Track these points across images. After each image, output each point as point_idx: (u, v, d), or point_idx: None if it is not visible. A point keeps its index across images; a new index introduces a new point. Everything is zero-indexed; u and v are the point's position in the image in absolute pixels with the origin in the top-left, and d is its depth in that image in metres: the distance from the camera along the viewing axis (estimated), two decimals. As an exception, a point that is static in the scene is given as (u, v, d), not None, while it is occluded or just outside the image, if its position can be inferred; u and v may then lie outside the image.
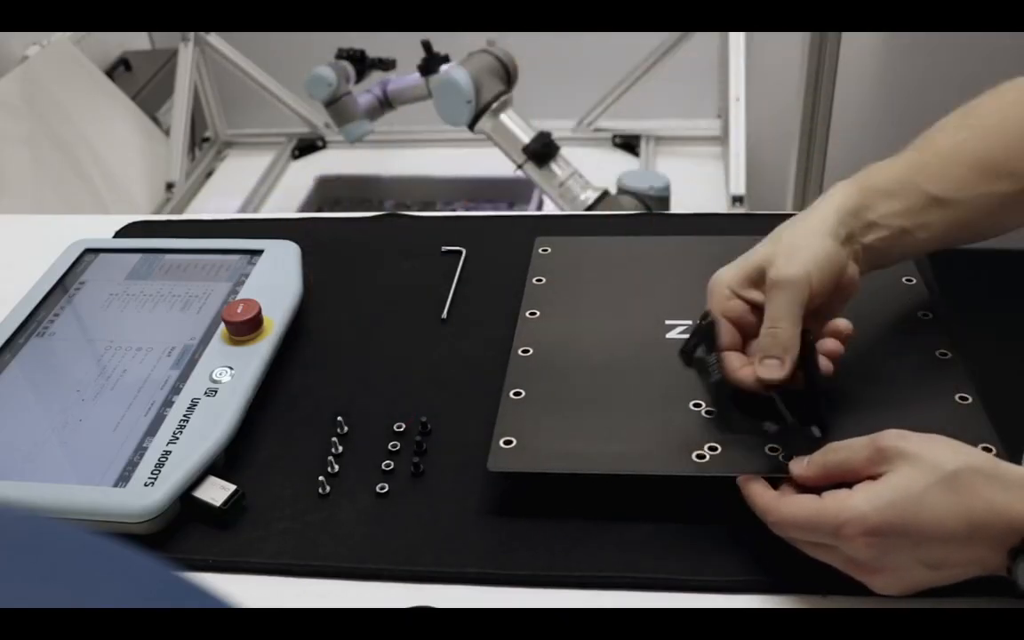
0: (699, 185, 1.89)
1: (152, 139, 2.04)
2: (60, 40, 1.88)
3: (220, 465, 0.67)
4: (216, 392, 0.71)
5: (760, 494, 0.57)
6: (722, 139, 2.03)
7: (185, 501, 0.64)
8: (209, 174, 2.18)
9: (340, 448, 0.69)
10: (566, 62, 2.17)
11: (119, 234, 0.97)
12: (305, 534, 0.63)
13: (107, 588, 0.26)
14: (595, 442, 0.65)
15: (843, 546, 0.53)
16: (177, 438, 0.67)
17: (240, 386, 0.71)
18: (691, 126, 2.13)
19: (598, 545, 0.61)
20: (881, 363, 0.69)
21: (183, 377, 0.73)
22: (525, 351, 0.73)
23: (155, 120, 2.09)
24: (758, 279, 0.64)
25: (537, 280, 0.82)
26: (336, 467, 0.68)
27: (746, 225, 0.93)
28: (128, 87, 2.05)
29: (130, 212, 1.34)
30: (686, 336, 0.73)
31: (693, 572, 0.59)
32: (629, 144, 2.09)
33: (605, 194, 1.62)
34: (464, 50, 1.68)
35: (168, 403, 0.71)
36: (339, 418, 0.71)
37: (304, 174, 2.12)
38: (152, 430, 0.68)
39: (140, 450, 0.67)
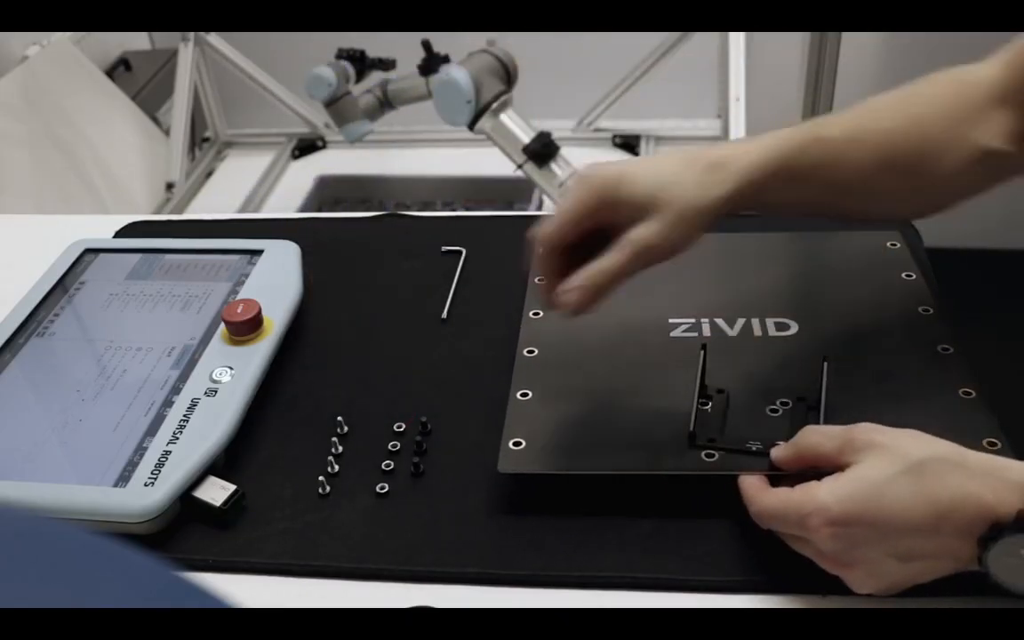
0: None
1: (152, 139, 2.04)
2: (60, 40, 1.88)
3: (220, 465, 0.67)
4: (216, 392, 0.71)
5: (748, 485, 0.58)
6: (722, 139, 2.03)
7: (185, 501, 0.64)
8: (209, 174, 2.18)
9: (340, 448, 0.69)
10: (566, 62, 2.17)
11: (119, 234, 0.97)
12: (305, 534, 0.63)
13: (107, 588, 0.26)
14: (603, 441, 0.65)
15: (811, 537, 0.53)
16: (177, 438, 0.67)
17: (240, 386, 0.71)
18: (691, 126, 2.13)
19: (598, 545, 0.61)
20: (883, 359, 0.69)
21: (183, 377, 0.73)
22: (530, 351, 0.73)
23: (155, 120, 2.09)
24: (634, 214, 0.63)
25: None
26: (336, 467, 0.68)
27: (746, 224, 0.93)
28: (128, 87, 2.05)
29: (130, 212, 1.34)
30: (690, 334, 0.73)
31: (693, 572, 0.59)
32: (629, 144, 2.09)
33: (605, 194, 1.62)
34: (464, 50, 1.68)
35: (168, 403, 0.71)
36: (339, 418, 0.71)
37: (304, 174, 2.12)
38: (152, 430, 0.68)
39: (140, 450, 0.67)
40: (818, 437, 0.56)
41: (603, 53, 2.07)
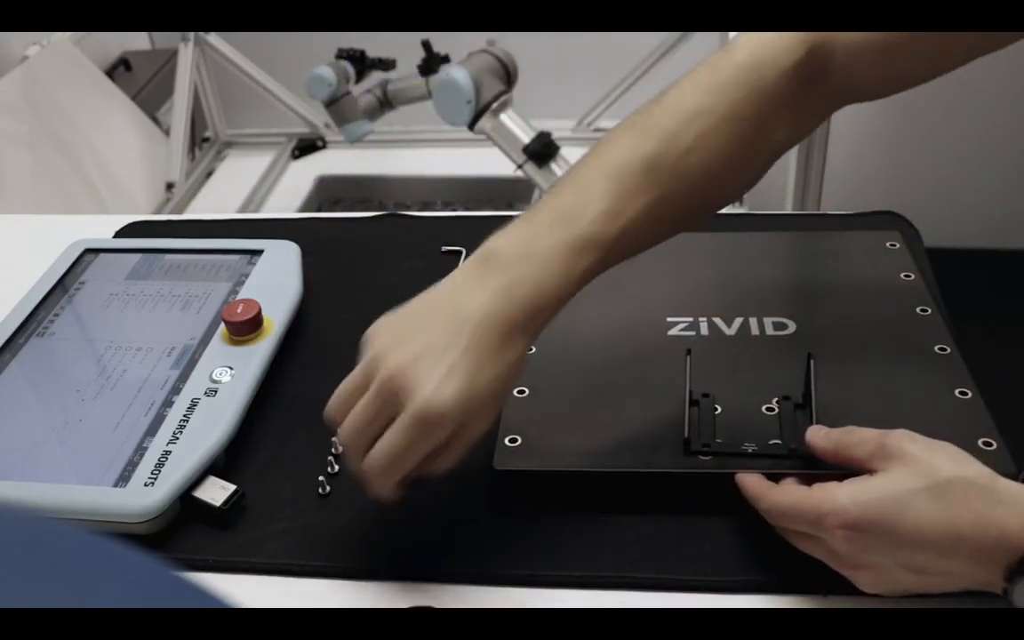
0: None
1: (152, 139, 2.04)
2: (60, 40, 1.88)
3: (220, 465, 0.67)
4: (216, 392, 0.71)
5: (752, 482, 0.58)
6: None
7: (185, 501, 0.64)
8: (209, 174, 2.18)
9: (340, 448, 0.69)
10: (566, 62, 2.17)
11: (119, 234, 0.97)
12: (305, 534, 0.63)
13: (107, 588, 0.26)
14: (599, 440, 0.65)
15: (824, 537, 0.53)
16: (177, 438, 0.67)
17: (240, 386, 0.71)
18: (691, 126, 2.12)
19: (598, 545, 0.61)
20: (880, 359, 0.69)
21: (183, 377, 0.73)
22: (528, 350, 0.73)
23: (155, 120, 2.09)
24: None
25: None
26: (336, 467, 0.68)
27: (746, 224, 0.93)
28: (128, 87, 2.05)
29: (130, 212, 1.34)
30: (688, 333, 0.73)
31: (693, 572, 0.59)
32: (629, 144, 2.08)
33: (605, 194, 1.62)
34: (464, 50, 1.68)
35: (168, 403, 0.71)
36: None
37: (304, 174, 2.12)
38: (152, 430, 0.68)
39: (140, 450, 0.67)
40: (856, 438, 0.55)
41: (603, 53, 2.07)
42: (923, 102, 2.20)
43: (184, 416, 0.69)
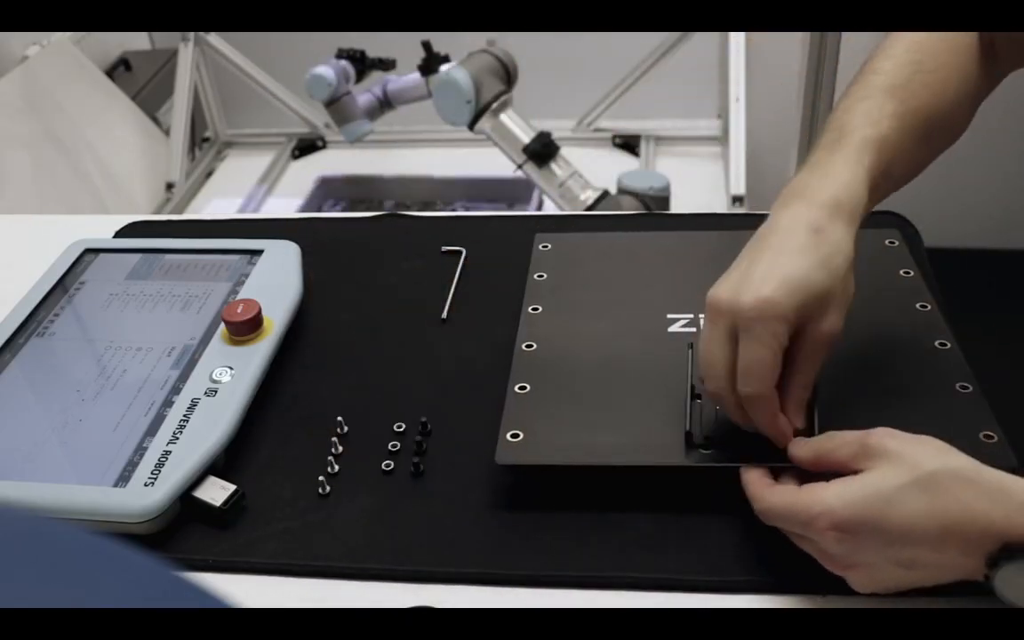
0: (699, 185, 1.89)
1: (152, 139, 2.04)
2: (60, 40, 1.88)
3: (220, 465, 0.67)
4: (216, 392, 0.71)
5: (752, 481, 0.58)
6: (722, 139, 2.03)
7: (185, 501, 0.64)
8: (209, 174, 2.18)
9: (340, 448, 0.69)
10: (566, 62, 2.17)
11: (119, 234, 0.97)
12: (305, 534, 0.63)
13: (107, 588, 0.26)
14: (601, 435, 0.65)
15: (815, 538, 0.53)
16: (177, 438, 0.67)
17: (240, 386, 0.71)
18: (691, 126, 2.13)
19: (598, 545, 0.61)
20: (881, 354, 0.69)
21: (183, 377, 0.73)
22: (529, 346, 0.73)
23: (155, 120, 2.09)
24: (811, 312, 0.58)
25: (538, 276, 0.82)
26: (336, 467, 0.68)
27: (748, 224, 0.93)
28: (128, 87, 2.05)
29: (130, 212, 1.34)
30: (688, 330, 0.73)
31: (693, 572, 0.59)
32: (629, 144, 2.09)
33: (605, 194, 1.62)
34: (464, 50, 1.69)
35: (168, 403, 0.71)
36: (339, 418, 0.71)
37: (304, 174, 2.12)
38: (152, 430, 0.68)
39: (140, 450, 0.67)
40: (837, 442, 0.56)
41: (603, 53, 2.07)
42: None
43: (184, 416, 0.69)
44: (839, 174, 0.61)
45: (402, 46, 1.79)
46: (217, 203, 2.04)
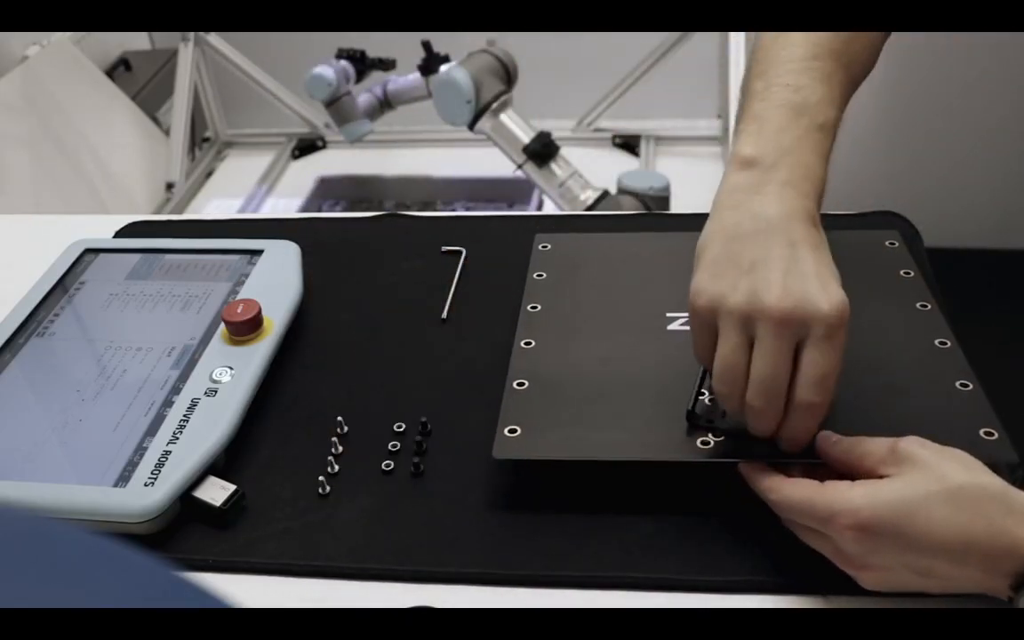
0: (699, 185, 1.88)
1: (152, 139, 2.04)
2: (60, 40, 1.88)
3: (220, 465, 0.67)
4: (216, 392, 0.71)
5: (763, 475, 0.58)
6: (722, 139, 2.03)
7: (185, 501, 0.64)
8: (209, 174, 2.18)
9: (340, 448, 0.69)
10: (566, 62, 2.17)
11: (119, 234, 0.97)
12: (305, 534, 0.63)
13: (107, 588, 0.26)
14: (599, 430, 0.65)
15: (833, 536, 0.53)
16: (177, 438, 0.67)
17: (240, 386, 0.71)
18: (691, 126, 2.13)
19: (598, 545, 0.61)
20: (881, 352, 0.69)
21: (183, 377, 0.73)
22: (527, 343, 0.73)
23: (155, 120, 2.09)
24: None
25: (538, 275, 0.82)
26: (336, 467, 0.68)
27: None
28: (128, 87, 2.05)
29: (130, 212, 1.34)
30: (687, 328, 0.73)
31: (693, 572, 0.59)
32: (629, 144, 2.09)
33: (605, 194, 1.62)
34: (464, 50, 1.69)
35: (168, 403, 0.71)
36: (339, 418, 0.71)
37: (304, 174, 2.13)
38: (152, 430, 0.68)
39: (140, 450, 0.67)
40: (867, 447, 0.55)
41: (603, 53, 2.07)
42: (923, 102, 2.21)
43: (184, 416, 0.69)
44: (812, 161, 0.60)
45: (402, 46, 1.80)
46: (217, 203, 2.04)
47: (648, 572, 0.59)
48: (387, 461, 0.68)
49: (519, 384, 0.69)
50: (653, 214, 1.51)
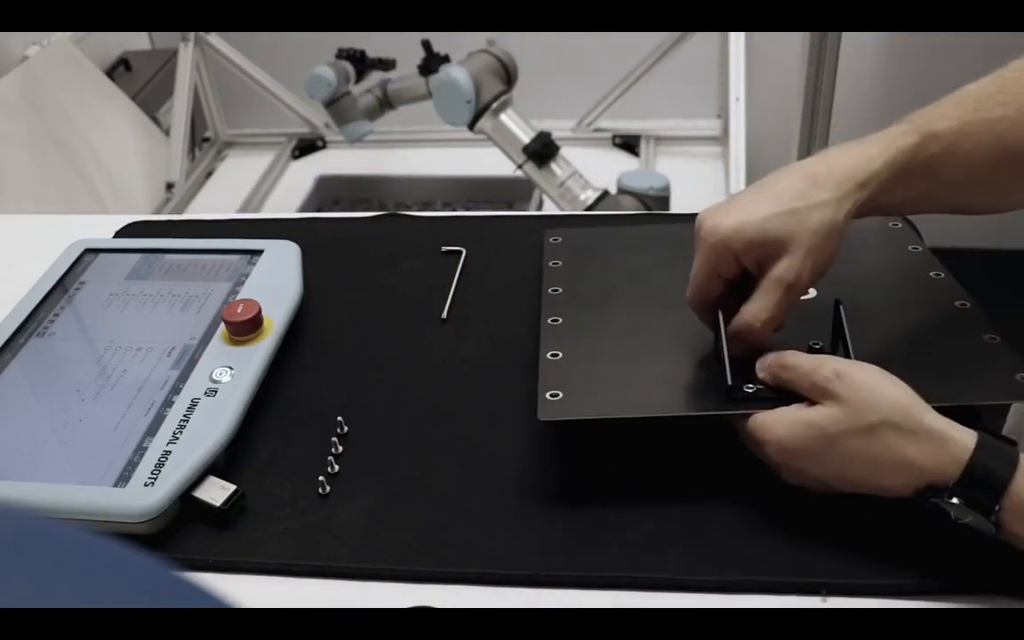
0: (699, 185, 1.89)
1: (152, 139, 2.04)
2: (60, 40, 1.88)
3: (220, 465, 0.67)
4: (216, 392, 0.71)
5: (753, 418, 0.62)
6: (722, 139, 2.03)
7: (185, 501, 0.64)
8: (209, 174, 2.18)
9: (340, 448, 0.69)
10: (566, 62, 2.17)
11: (119, 234, 0.97)
12: (305, 534, 0.63)
13: (107, 588, 0.26)
14: (640, 391, 0.66)
15: (764, 457, 0.61)
16: (177, 438, 0.67)
17: (240, 386, 0.71)
18: (691, 126, 2.13)
19: (598, 545, 0.61)
20: (906, 315, 0.71)
21: (183, 377, 0.73)
22: (555, 320, 0.74)
23: (155, 120, 2.09)
24: (766, 254, 0.63)
25: (553, 263, 0.83)
26: (336, 467, 0.68)
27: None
28: (128, 87, 2.05)
29: (130, 212, 1.34)
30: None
31: (693, 572, 0.59)
32: (629, 144, 2.09)
33: (605, 194, 1.62)
34: (464, 50, 1.68)
35: (168, 403, 0.71)
36: (339, 418, 0.71)
37: (304, 174, 2.12)
38: (152, 430, 0.68)
39: (140, 450, 0.67)
40: (791, 374, 0.61)
41: (603, 53, 2.07)
42: (923, 103, 2.20)
43: (184, 416, 0.69)
44: (868, 147, 0.63)
45: (402, 46, 1.79)
46: (217, 203, 2.04)
47: (648, 572, 0.59)
48: (387, 461, 0.68)
49: (553, 355, 0.70)
50: (653, 214, 1.51)
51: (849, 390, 0.57)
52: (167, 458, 0.65)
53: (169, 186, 2.00)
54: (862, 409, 0.56)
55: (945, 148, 0.64)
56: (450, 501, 0.65)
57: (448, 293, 0.85)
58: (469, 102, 1.62)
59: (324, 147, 2.23)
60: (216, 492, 0.64)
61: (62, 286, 0.85)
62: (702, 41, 2.01)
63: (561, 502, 0.64)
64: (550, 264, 0.82)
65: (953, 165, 0.64)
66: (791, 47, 1.58)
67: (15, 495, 0.64)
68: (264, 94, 2.18)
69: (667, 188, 1.63)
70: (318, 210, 2.02)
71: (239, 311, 0.76)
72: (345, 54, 1.87)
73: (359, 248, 0.93)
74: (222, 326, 0.76)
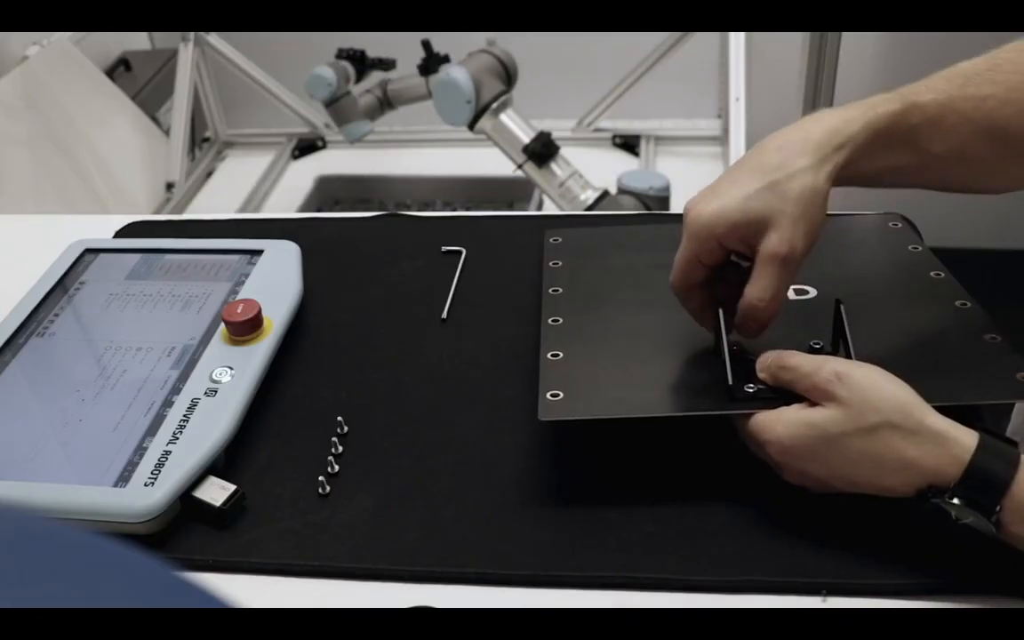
0: (699, 185, 1.88)
1: (152, 139, 2.04)
2: (60, 40, 1.88)
3: (220, 465, 0.67)
4: (216, 392, 0.71)
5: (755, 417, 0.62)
6: (722, 139, 2.03)
7: (185, 501, 0.64)
8: (209, 174, 2.17)
9: (340, 448, 0.69)
10: (566, 62, 2.17)
11: (119, 234, 0.97)
12: (305, 534, 0.63)
13: (107, 588, 0.26)
14: (640, 391, 0.66)
15: (765, 457, 0.61)
16: (177, 438, 0.67)
17: (240, 386, 0.71)
18: (691, 126, 2.13)
19: (598, 545, 0.61)
20: (906, 314, 0.71)
21: (183, 377, 0.73)
22: (555, 320, 0.74)
23: (155, 120, 2.09)
24: (753, 232, 0.62)
25: (553, 263, 0.83)
26: (336, 467, 0.68)
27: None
28: (128, 87, 2.05)
29: (130, 212, 1.34)
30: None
31: (693, 572, 0.59)
32: (629, 144, 2.09)
33: (605, 194, 1.62)
34: (464, 50, 1.68)
35: (168, 403, 0.71)
36: (339, 418, 0.71)
37: (304, 174, 2.12)
38: (152, 430, 0.68)
39: (140, 450, 0.67)
40: (791, 376, 0.60)
41: (603, 53, 2.07)
42: (923, 102, 2.20)
43: (184, 416, 0.69)
44: (847, 110, 0.63)
45: (402, 46, 1.79)
46: (217, 203, 2.04)
47: (648, 572, 0.59)
48: (387, 461, 0.68)
49: (553, 355, 0.70)
50: (653, 214, 1.51)
51: (850, 391, 0.57)
52: (167, 458, 0.65)
53: (169, 186, 2.00)
54: (863, 410, 0.56)
55: (929, 119, 0.63)
56: (450, 501, 0.65)
57: (448, 293, 0.85)
58: (469, 102, 1.62)
59: (324, 147, 2.23)
60: (216, 492, 0.64)
61: (62, 286, 0.85)
62: (702, 41, 2.01)
63: (561, 502, 0.64)
64: (550, 264, 0.83)
65: (937, 138, 0.63)
66: (791, 47, 1.58)
67: (15, 495, 0.64)
68: (264, 94, 2.18)
69: (667, 188, 1.63)
70: (318, 210, 2.02)
71: (239, 311, 0.76)
72: (345, 54, 1.87)
73: (359, 248, 0.93)
74: (222, 326, 0.76)
